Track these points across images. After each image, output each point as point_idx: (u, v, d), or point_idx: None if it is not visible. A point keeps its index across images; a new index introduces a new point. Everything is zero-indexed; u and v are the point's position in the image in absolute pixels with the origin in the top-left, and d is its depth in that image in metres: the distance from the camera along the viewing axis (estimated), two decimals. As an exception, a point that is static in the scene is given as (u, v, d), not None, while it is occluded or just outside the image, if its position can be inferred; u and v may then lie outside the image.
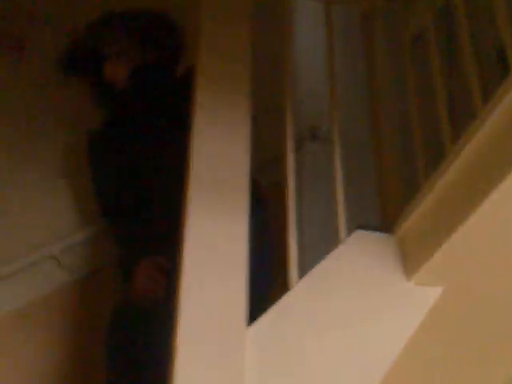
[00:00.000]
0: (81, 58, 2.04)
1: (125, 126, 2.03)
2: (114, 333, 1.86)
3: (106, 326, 1.90)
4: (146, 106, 1.99)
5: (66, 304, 2.22)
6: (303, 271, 1.52)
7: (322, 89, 2.22)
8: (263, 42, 1.92)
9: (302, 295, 1.46)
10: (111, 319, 1.89)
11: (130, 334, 1.82)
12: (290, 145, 1.67)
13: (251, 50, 1.71)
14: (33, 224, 2.29)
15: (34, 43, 2.48)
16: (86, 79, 2.07)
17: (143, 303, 1.85)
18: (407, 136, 1.71)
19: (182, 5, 2.12)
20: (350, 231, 1.59)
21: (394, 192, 1.73)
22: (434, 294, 1.50)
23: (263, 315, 1.41)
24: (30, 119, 2.41)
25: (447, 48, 1.77)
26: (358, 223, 1.61)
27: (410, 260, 1.53)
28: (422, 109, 1.71)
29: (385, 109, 1.82)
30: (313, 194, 2.11)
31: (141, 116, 2.00)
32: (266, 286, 1.74)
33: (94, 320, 2.07)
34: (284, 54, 1.80)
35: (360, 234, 1.58)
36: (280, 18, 1.87)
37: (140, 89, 1.97)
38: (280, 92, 1.80)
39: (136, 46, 1.99)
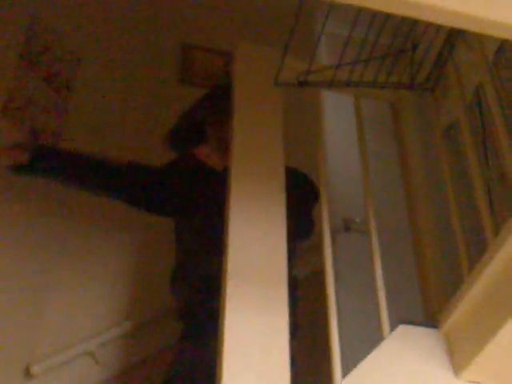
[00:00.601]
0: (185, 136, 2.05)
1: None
2: None
3: None
4: None
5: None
6: (345, 366, 1.48)
7: (354, 180, 2.25)
8: (295, 137, 1.96)
9: (347, 395, 1.41)
10: None
11: None
12: (327, 234, 1.66)
13: (283, 147, 1.74)
14: (68, 321, 2.28)
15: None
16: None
17: None
18: (447, 228, 1.69)
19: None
20: (391, 325, 1.56)
21: (436, 285, 1.69)
22: (484, 390, 1.46)
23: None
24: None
25: (481, 139, 1.77)
26: (400, 317, 1.57)
27: (458, 356, 1.48)
28: (458, 198, 1.70)
29: (421, 200, 1.81)
30: (349, 287, 2.08)
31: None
32: None
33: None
34: (317, 148, 1.82)
35: (404, 328, 1.54)
36: (312, 113, 1.90)
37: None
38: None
39: None
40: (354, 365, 1.47)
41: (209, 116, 2.02)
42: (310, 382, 1.79)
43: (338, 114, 2.30)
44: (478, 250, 1.53)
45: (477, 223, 1.61)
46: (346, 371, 1.45)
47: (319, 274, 2.19)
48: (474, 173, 1.62)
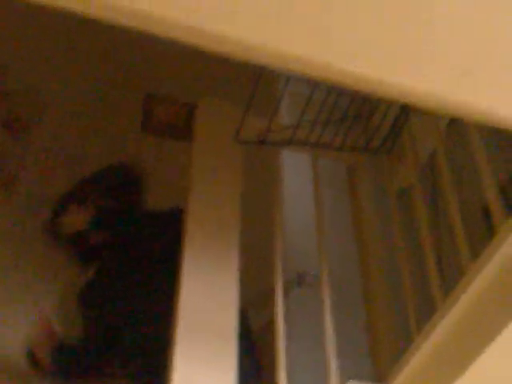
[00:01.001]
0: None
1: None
2: None
3: None
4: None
5: None
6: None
7: (310, 235, 2.29)
8: (253, 192, 2.00)
9: None
10: None
11: None
12: (279, 287, 1.68)
13: (239, 200, 1.77)
14: None
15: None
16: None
17: None
18: (398, 284, 1.74)
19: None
20: (341, 380, 1.57)
21: (386, 341, 1.72)
22: None
23: None
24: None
25: (433, 203, 1.84)
26: (349, 373, 1.59)
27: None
28: (409, 257, 1.75)
29: (373, 258, 1.86)
30: (301, 340, 2.09)
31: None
32: None
33: None
34: (274, 203, 1.86)
35: (352, 384, 1.56)
36: (271, 170, 1.95)
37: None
38: (269, 241, 1.84)
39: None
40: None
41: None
42: None
43: (296, 172, 2.35)
44: (429, 309, 1.57)
45: (426, 283, 1.65)
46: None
47: (261, 330, 2.22)
48: (424, 233, 1.68)
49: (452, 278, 1.50)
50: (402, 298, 1.72)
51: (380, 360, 1.72)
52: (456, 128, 1.86)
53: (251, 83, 1.86)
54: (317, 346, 2.01)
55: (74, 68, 2.68)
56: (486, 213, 1.60)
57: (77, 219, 2.02)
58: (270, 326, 1.78)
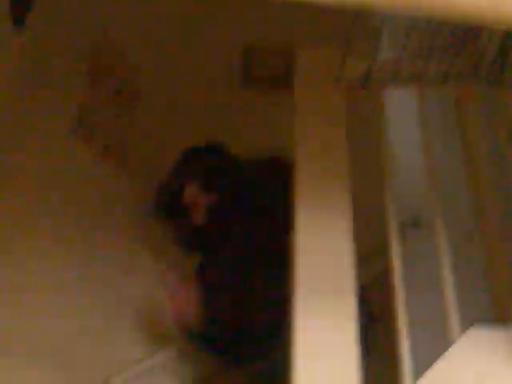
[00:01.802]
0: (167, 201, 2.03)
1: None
2: None
3: None
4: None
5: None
6: (414, 369, 1.47)
7: (419, 175, 2.22)
8: (359, 136, 1.95)
9: (418, 400, 1.41)
10: None
11: None
12: (393, 236, 1.65)
13: (346, 146, 1.73)
14: (91, 359, 2.32)
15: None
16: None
17: None
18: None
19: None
20: (462, 328, 1.54)
21: (507, 285, 1.66)
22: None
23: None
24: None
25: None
26: (471, 320, 1.56)
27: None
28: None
29: (488, 199, 1.78)
30: (418, 285, 2.05)
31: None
32: None
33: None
34: (380, 144, 1.81)
35: (475, 331, 1.52)
36: (375, 111, 1.89)
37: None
38: (379, 184, 1.80)
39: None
40: (424, 369, 1.46)
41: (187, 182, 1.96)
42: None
43: (402, 111, 2.27)
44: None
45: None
46: (415, 376, 1.45)
47: (384, 276, 2.20)
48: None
49: None
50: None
51: (501, 305, 1.66)
52: None
53: (348, 24, 1.80)
54: (435, 292, 1.98)
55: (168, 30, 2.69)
56: None
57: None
58: (386, 273, 1.76)
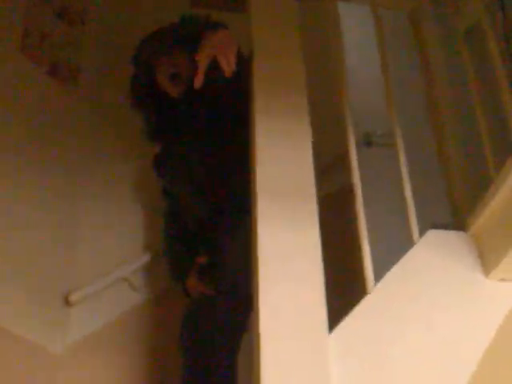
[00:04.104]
0: (141, 91, 2.07)
1: (185, 138, 2.06)
2: (184, 330, 1.96)
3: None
4: (205, 112, 2.01)
5: (140, 324, 2.24)
6: (378, 275, 1.50)
7: (371, 94, 2.22)
8: (314, 51, 1.93)
9: (381, 298, 1.43)
10: (182, 321, 1.99)
11: (194, 326, 1.92)
12: (352, 148, 1.65)
13: (302, 55, 1.70)
14: (103, 248, 2.33)
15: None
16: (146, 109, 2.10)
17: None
18: (471, 130, 1.68)
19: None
20: (421, 232, 1.57)
21: (462, 189, 1.69)
22: (514, 288, 1.47)
23: (343, 321, 1.39)
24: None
25: (504, 38, 1.73)
26: (429, 223, 1.58)
27: (487, 256, 1.50)
28: (483, 101, 1.68)
29: (444, 103, 1.79)
30: (374, 200, 2.08)
31: (201, 122, 2.02)
32: None
33: (169, 337, 2.07)
34: (336, 61, 1.79)
35: (433, 233, 1.55)
36: (328, 23, 1.86)
37: (198, 97, 1.97)
38: (334, 99, 1.79)
39: (188, 56, 1.93)
40: (386, 272, 1.49)
41: (156, 59, 2.00)
42: (342, 292, 1.82)
43: (355, 26, 2.25)
44: (504, 149, 1.53)
45: (502, 125, 1.60)
46: (377, 279, 1.47)
47: (337, 194, 2.21)
48: (499, 72, 1.60)
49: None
50: (477, 146, 1.67)
51: (458, 209, 1.70)
52: None
53: None
54: (390, 207, 2.00)
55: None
56: None
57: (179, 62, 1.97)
58: (345, 189, 1.77)
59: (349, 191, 1.64)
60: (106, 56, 2.57)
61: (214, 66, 1.72)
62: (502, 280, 1.48)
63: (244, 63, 1.75)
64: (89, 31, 2.55)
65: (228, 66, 1.67)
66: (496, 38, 1.63)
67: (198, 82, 1.70)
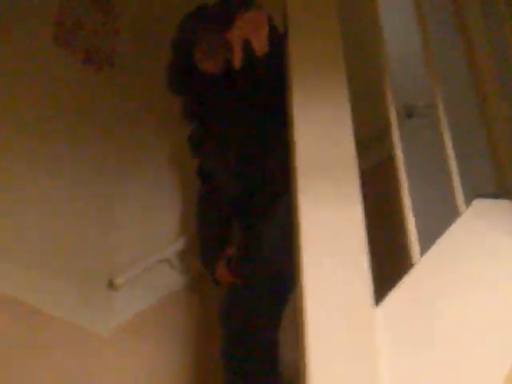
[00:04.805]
0: (180, 74, 2.10)
1: (222, 117, 2.07)
2: (223, 316, 2.01)
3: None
4: (244, 90, 2.02)
5: (183, 306, 2.27)
6: (424, 248, 1.49)
7: (412, 66, 2.19)
8: (352, 26, 1.91)
9: (427, 271, 1.42)
10: (220, 308, 2.03)
11: (234, 314, 1.96)
12: (394, 120, 1.63)
13: (340, 30, 1.69)
14: (146, 232, 2.35)
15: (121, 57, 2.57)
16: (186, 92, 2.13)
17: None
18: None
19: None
20: (466, 202, 1.55)
21: (509, 157, 1.66)
22: None
23: (390, 294, 1.38)
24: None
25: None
26: (474, 194, 1.56)
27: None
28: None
29: (486, 73, 1.75)
30: (418, 172, 2.06)
31: (239, 100, 2.03)
32: None
33: (212, 319, 2.10)
34: (374, 34, 1.77)
35: (479, 202, 1.53)
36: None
37: (237, 75, 1.98)
38: (374, 72, 1.78)
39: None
40: (432, 244, 1.48)
41: (195, 38, 2.03)
42: (387, 261, 1.81)
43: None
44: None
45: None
46: (423, 252, 1.46)
47: (380, 167, 2.19)
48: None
49: None
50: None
51: (504, 178, 1.67)
52: None
53: None
54: (434, 178, 1.98)
55: None
56: None
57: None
58: (386, 162, 1.75)
59: (391, 164, 1.63)
60: (141, 42, 2.58)
61: (249, 46, 1.73)
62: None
63: (279, 41, 1.75)
64: (123, 18, 2.57)
65: (260, 47, 1.67)
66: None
67: (237, 63, 1.71)
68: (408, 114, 2.24)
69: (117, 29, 2.52)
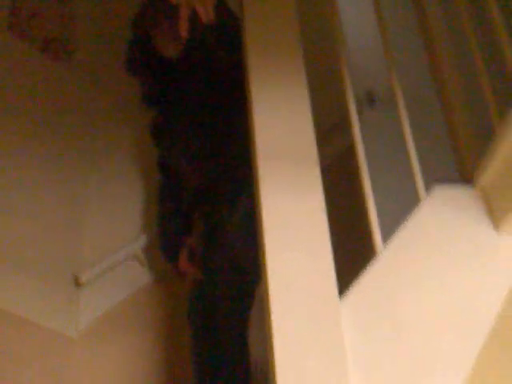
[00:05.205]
0: (139, 55, 2.08)
1: (182, 106, 2.05)
2: (191, 312, 2.00)
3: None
4: (201, 73, 2.02)
5: (151, 302, 2.25)
6: (387, 237, 1.48)
7: (370, 52, 2.18)
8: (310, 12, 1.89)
9: (390, 260, 1.42)
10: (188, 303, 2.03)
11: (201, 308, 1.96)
12: (352, 110, 1.62)
13: (298, 17, 1.67)
14: (111, 227, 2.33)
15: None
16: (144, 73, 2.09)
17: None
18: (473, 83, 1.65)
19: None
20: (426, 189, 1.55)
21: (468, 142, 1.66)
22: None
23: (354, 285, 1.38)
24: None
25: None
26: (435, 179, 1.56)
27: (497, 210, 1.47)
28: (482, 50, 1.64)
29: (444, 57, 1.75)
30: (379, 159, 2.06)
31: (198, 86, 2.01)
32: None
33: (181, 314, 2.08)
34: (332, 21, 1.75)
35: (439, 188, 1.53)
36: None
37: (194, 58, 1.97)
38: (333, 59, 1.76)
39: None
40: (394, 232, 1.47)
41: (151, 23, 2.03)
42: (349, 251, 1.81)
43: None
44: (507, 101, 1.49)
45: (503, 70, 1.56)
46: (386, 241, 1.46)
47: (342, 157, 2.19)
48: (496, 19, 1.56)
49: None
50: (479, 96, 1.64)
51: (464, 164, 1.67)
52: None
53: None
54: (397, 166, 1.98)
55: None
56: None
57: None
58: (348, 150, 1.75)
59: (351, 153, 1.62)
60: (100, 29, 2.55)
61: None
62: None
63: (229, 15, 1.75)
64: (80, 5, 2.53)
65: (205, 14, 1.68)
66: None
67: (183, 31, 1.71)
68: (369, 100, 2.23)
69: (73, 16, 2.48)
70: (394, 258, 1.42)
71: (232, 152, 1.96)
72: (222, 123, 1.99)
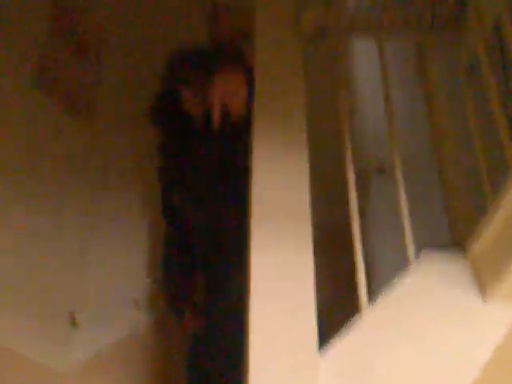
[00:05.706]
0: (166, 108, 2.20)
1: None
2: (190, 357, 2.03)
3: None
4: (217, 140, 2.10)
5: (144, 345, 2.28)
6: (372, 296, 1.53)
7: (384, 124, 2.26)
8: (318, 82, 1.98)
9: (375, 320, 1.47)
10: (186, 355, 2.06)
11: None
12: (352, 186, 1.69)
13: (305, 95, 1.77)
14: (112, 269, 2.38)
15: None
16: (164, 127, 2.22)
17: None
18: (471, 161, 1.72)
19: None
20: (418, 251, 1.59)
21: (463, 212, 1.72)
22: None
23: (335, 342, 1.41)
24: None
25: (504, 74, 1.77)
26: (427, 244, 1.61)
27: (485, 279, 1.51)
28: (483, 132, 1.71)
29: (446, 130, 1.83)
30: (383, 227, 2.12)
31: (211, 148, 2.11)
32: None
33: (174, 360, 2.12)
34: (339, 90, 1.84)
35: (429, 253, 1.58)
36: (334, 59, 1.92)
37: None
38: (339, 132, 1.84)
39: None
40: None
41: (182, 82, 2.14)
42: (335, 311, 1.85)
43: (363, 59, 2.31)
44: (502, 176, 1.55)
45: (499, 156, 1.63)
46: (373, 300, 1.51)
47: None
48: (496, 108, 1.63)
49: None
50: (476, 174, 1.70)
51: (457, 232, 1.72)
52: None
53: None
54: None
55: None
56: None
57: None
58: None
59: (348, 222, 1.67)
60: (123, 90, 2.67)
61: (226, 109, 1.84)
62: (499, 304, 1.49)
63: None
64: (106, 66, 2.65)
65: (236, 112, 1.79)
66: (494, 73, 1.67)
67: (215, 124, 1.83)
68: (378, 169, 2.30)
69: (99, 78, 2.61)
70: (377, 319, 1.46)
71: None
72: (234, 185, 2.06)
